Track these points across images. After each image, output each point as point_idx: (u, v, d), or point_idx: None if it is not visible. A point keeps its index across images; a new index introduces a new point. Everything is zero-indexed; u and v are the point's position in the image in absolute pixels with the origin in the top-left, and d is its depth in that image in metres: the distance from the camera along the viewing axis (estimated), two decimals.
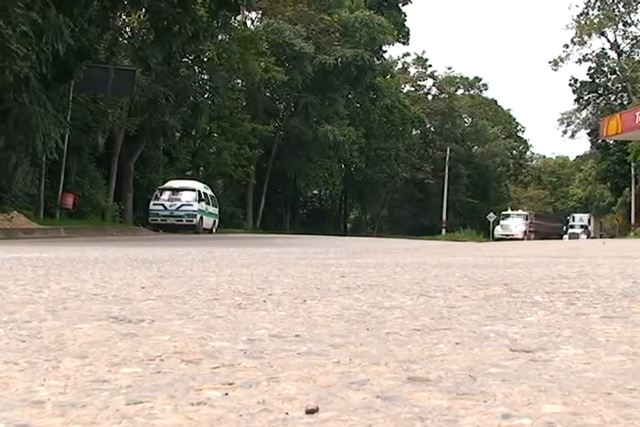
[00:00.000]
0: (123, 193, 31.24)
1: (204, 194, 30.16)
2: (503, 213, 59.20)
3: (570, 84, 63.88)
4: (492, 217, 55.61)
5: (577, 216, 65.23)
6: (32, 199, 23.23)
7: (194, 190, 29.46)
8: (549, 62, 64.84)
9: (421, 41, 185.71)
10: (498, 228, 55.78)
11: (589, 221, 63.81)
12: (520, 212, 59.79)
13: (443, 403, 1.34)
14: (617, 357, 1.79)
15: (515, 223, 55.86)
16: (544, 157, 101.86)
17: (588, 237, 58.38)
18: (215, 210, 31.55)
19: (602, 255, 8.64)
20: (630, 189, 52.97)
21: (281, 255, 7.93)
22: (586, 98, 64.41)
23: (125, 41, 30.48)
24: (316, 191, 60.47)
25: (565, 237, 58.39)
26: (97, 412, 1.28)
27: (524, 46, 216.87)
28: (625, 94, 61.27)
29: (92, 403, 1.33)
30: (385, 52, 54.48)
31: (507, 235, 53.15)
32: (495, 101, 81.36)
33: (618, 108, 51.76)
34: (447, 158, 63.52)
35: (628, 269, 5.35)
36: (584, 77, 63.78)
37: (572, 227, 62.18)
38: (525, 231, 55.18)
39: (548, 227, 61.75)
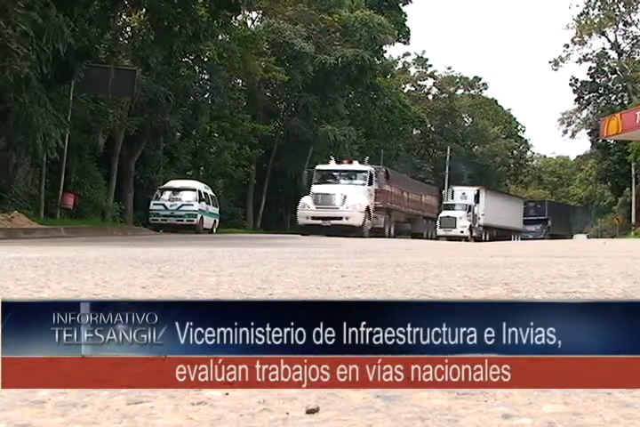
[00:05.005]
0: (123, 193, 31.24)
1: (205, 194, 30.19)
2: (318, 167, 31.52)
3: (570, 84, 63.89)
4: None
5: (457, 190, 42.39)
6: (32, 199, 23.23)
7: (194, 190, 29.50)
8: (550, 62, 64.86)
9: (421, 41, 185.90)
10: (306, 201, 29.06)
11: (478, 198, 41.15)
12: (357, 166, 30.39)
13: (443, 403, 1.33)
14: None
15: (345, 191, 28.44)
16: (544, 156, 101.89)
17: (470, 229, 38.79)
18: (215, 210, 31.55)
19: (602, 255, 8.63)
20: (631, 189, 52.95)
21: (281, 255, 7.92)
22: (586, 98, 64.38)
23: (126, 41, 30.48)
24: None
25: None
26: (97, 412, 1.27)
27: (524, 46, 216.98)
28: (625, 94, 61.27)
29: (92, 403, 1.32)
30: (385, 51, 54.43)
31: (326, 219, 27.58)
32: (495, 101, 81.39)
33: (618, 108, 51.76)
34: (447, 158, 63.49)
35: (629, 270, 5.34)
36: (584, 77, 63.86)
37: (446, 207, 40.42)
38: (369, 211, 28.74)
39: (415, 204, 37.26)
